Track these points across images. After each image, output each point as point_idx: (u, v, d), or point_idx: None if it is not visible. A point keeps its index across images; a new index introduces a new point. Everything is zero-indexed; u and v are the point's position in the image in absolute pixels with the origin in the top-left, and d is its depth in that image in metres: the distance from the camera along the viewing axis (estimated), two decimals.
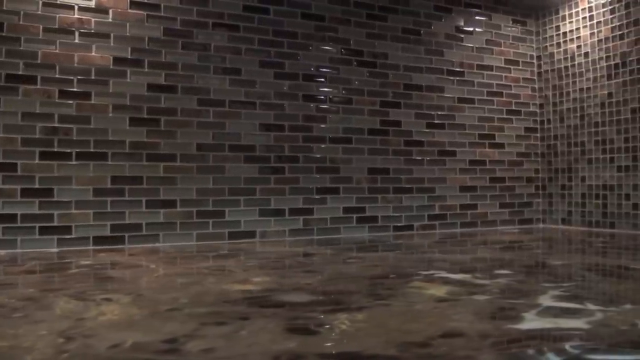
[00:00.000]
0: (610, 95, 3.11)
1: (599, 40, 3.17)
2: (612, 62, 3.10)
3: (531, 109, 3.53)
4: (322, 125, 2.89)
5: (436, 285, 1.47)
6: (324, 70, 2.91)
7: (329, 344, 0.94)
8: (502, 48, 3.45)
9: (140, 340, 0.97)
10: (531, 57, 3.56)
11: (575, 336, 0.97)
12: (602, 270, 1.83)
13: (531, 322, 1.07)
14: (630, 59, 2.99)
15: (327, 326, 1.05)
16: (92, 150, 2.43)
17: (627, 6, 3.02)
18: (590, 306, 1.20)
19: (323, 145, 2.89)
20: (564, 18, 3.40)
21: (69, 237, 2.37)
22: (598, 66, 3.18)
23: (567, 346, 0.92)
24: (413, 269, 1.76)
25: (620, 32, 3.06)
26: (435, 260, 2.03)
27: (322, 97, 2.90)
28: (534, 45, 3.57)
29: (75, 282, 1.57)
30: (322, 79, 2.91)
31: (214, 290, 1.42)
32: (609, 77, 3.12)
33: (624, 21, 3.03)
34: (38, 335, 0.99)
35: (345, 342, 0.95)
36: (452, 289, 1.42)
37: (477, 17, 3.37)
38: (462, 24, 3.32)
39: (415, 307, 1.21)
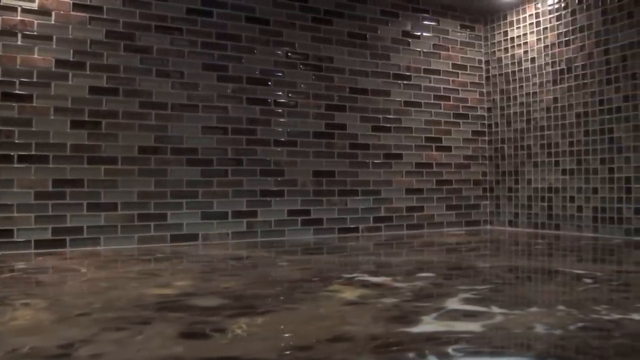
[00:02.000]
0: (555, 100, 3.17)
1: (546, 46, 3.24)
2: (558, 68, 3.16)
3: (479, 112, 3.58)
4: (267, 128, 2.90)
5: (352, 288, 1.50)
6: (269, 73, 2.92)
7: (215, 349, 0.96)
8: (450, 52, 3.49)
9: (38, 345, 0.98)
10: (479, 61, 3.61)
11: (463, 339, 1.00)
12: (529, 272, 1.86)
13: (426, 325, 1.10)
14: (576, 64, 3.06)
15: (223, 331, 1.07)
16: (33, 153, 2.41)
17: (573, 13, 3.08)
18: (495, 309, 1.23)
19: (268, 148, 2.90)
20: (512, 24, 3.46)
21: (10, 240, 2.35)
22: (544, 71, 3.24)
23: (450, 349, 0.94)
24: (338, 272, 1.78)
25: (566, 39, 3.12)
26: (366, 262, 2.05)
27: (267, 100, 2.91)
28: (482, 50, 3.62)
29: (3, 287, 1.57)
30: (267, 82, 2.91)
31: (131, 294, 1.43)
32: (555, 82, 3.18)
33: (570, 27, 3.10)
34: None
35: (232, 347, 0.97)
36: (366, 292, 1.44)
37: (425, 22, 3.41)
38: (409, 28, 3.36)
39: (319, 311, 1.23)
